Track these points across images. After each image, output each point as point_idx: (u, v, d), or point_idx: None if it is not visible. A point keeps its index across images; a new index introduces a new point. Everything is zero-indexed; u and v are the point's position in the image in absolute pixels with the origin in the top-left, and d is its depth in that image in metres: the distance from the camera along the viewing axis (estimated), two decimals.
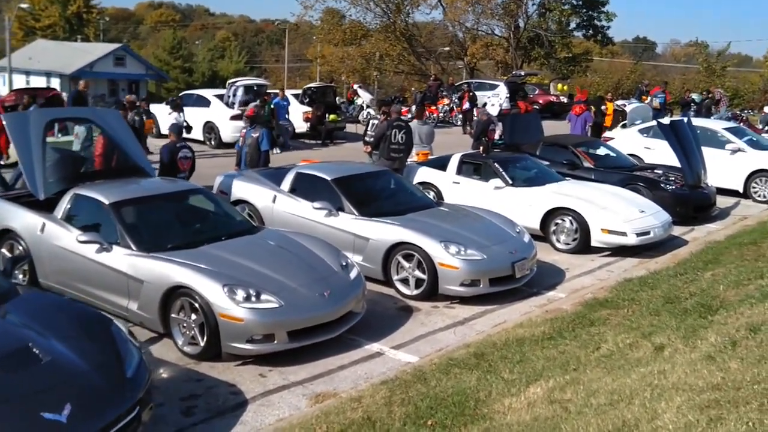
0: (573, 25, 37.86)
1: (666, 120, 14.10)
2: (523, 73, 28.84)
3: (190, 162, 9.66)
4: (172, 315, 6.54)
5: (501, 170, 11.32)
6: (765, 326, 4.72)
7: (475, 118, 20.14)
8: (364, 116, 23.56)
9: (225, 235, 7.46)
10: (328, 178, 9.31)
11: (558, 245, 10.55)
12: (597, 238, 10.22)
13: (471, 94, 24.81)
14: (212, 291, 6.27)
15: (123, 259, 6.85)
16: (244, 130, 12.29)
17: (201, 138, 19.97)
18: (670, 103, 22.82)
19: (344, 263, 7.42)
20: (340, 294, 6.92)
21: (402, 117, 12.43)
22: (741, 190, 14.31)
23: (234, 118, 19.29)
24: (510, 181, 11.18)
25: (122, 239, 7.01)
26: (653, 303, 6.76)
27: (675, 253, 10.05)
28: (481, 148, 12.47)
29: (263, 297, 6.37)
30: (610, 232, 10.11)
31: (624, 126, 16.49)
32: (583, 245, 10.31)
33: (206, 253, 6.90)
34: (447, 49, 40.63)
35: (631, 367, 4.71)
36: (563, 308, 7.73)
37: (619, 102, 19.09)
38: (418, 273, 8.24)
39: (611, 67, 49.57)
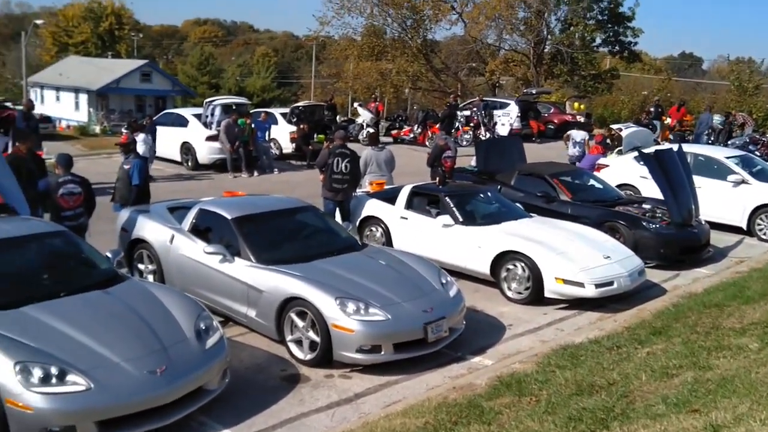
0: (598, 41, 36.10)
1: (650, 149, 12.51)
2: (534, 91, 27.25)
3: (80, 198, 8.41)
4: None
5: (451, 205, 9.96)
6: None
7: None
8: (364, 136, 22.38)
9: (66, 291, 6.28)
10: (228, 217, 8.09)
11: (509, 294, 9.14)
12: (551, 288, 8.77)
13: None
14: (1, 370, 5.10)
15: None
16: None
17: (178, 159, 19.08)
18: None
19: (203, 326, 6.19)
20: (182, 369, 5.69)
21: (345, 144, 11.12)
22: (744, 227, 12.61)
23: (210, 138, 18.33)
24: (460, 219, 9.79)
25: None
26: (561, 392, 5.36)
27: (642, 308, 8.54)
28: (437, 179, 11.10)
29: (69, 378, 5.19)
30: (566, 281, 8.66)
31: (620, 152, 14.89)
32: (536, 296, 8.89)
33: (22, 316, 5.73)
34: (474, 65, 39.18)
35: None
36: (475, 384, 6.38)
37: (615, 126, 17.47)
38: (311, 334, 6.96)
39: (636, 85, 47.23)
